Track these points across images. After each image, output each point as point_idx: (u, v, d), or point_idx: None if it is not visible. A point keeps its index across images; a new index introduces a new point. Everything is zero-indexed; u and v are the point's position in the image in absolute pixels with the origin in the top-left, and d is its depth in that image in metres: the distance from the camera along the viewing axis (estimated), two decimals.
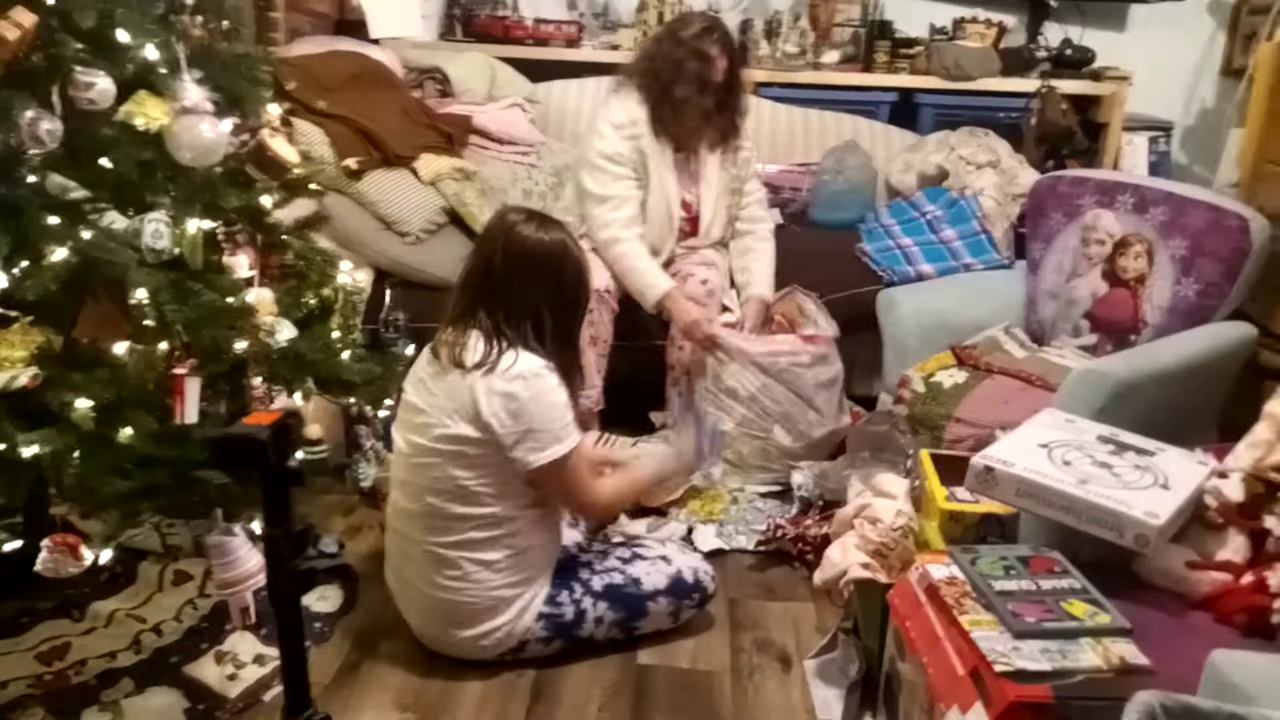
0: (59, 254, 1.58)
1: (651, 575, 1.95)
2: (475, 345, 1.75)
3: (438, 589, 1.81)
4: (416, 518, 1.81)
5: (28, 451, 1.54)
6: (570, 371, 1.83)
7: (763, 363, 2.52)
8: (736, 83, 2.68)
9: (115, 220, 1.69)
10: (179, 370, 1.72)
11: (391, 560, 1.94)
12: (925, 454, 2.01)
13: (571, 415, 1.79)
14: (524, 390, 1.72)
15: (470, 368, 1.73)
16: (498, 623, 1.83)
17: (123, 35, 1.66)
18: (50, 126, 1.55)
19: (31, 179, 1.59)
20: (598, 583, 1.91)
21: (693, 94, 2.59)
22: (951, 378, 2.44)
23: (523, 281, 1.77)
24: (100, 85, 1.61)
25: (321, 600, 2.07)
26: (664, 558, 1.98)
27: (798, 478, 2.40)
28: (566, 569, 1.92)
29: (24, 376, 1.55)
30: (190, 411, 1.74)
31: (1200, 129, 3.82)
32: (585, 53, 3.52)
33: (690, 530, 2.37)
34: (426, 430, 1.77)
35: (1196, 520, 1.61)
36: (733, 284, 2.79)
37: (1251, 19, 3.51)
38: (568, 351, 1.84)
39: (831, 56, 3.52)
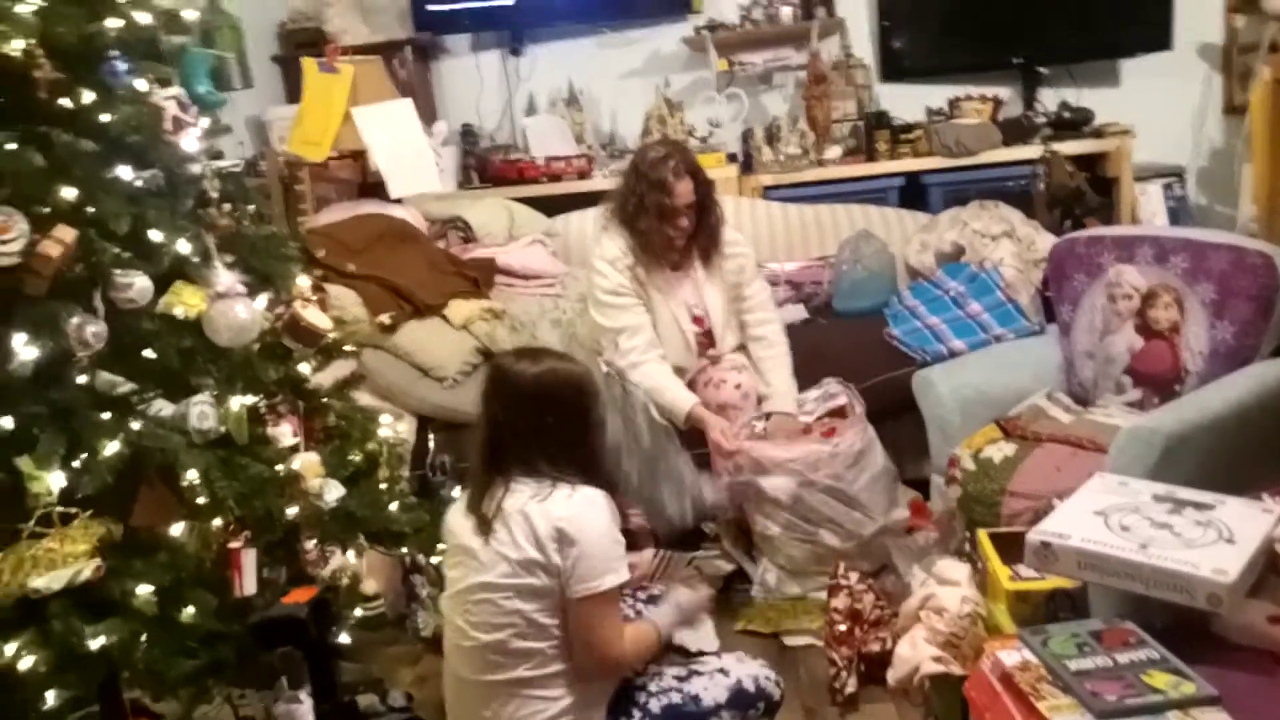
0: (112, 447, 1.64)
1: (710, 690, 1.88)
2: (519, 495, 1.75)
3: None
4: (474, 654, 1.79)
5: (95, 644, 1.58)
6: (609, 490, 1.82)
7: (792, 468, 2.48)
8: (707, 198, 2.73)
9: (163, 408, 1.76)
10: (234, 544, 1.76)
11: (453, 706, 1.91)
12: (983, 534, 1.97)
13: (622, 550, 1.77)
14: (578, 516, 1.72)
15: (522, 506, 1.72)
16: None
17: (155, 235, 1.76)
18: (95, 329, 1.64)
19: (81, 379, 1.67)
20: (655, 705, 1.85)
21: (655, 224, 2.66)
22: (1000, 451, 2.40)
23: (538, 420, 1.76)
24: (139, 284, 1.71)
25: None
26: (721, 670, 1.92)
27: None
28: (621, 696, 1.87)
29: (88, 570, 1.60)
30: (249, 583, 1.77)
31: (1214, 169, 3.83)
32: (597, 182, 3.65)
33: None
34: (490, 568, 1.73)
35: (1271, 571, 1.56)
36: None
37: (1244, 58, 3.56)
38: (602, 470, 1.85)
39: (834, 152, 3.61)
